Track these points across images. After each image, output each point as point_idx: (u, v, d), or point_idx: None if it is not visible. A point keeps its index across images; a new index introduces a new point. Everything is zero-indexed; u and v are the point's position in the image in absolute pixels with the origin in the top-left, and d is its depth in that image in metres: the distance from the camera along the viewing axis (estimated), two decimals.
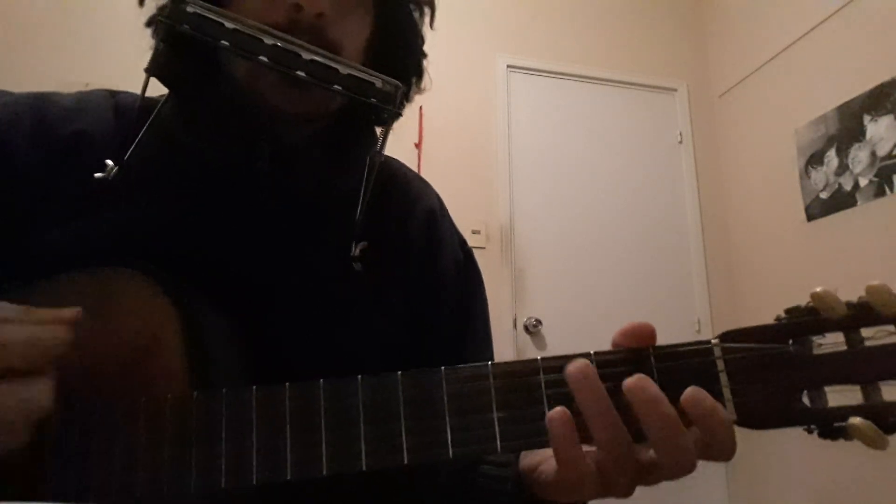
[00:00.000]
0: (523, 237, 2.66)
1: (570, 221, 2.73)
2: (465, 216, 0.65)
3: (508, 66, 2.85)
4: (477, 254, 0.68)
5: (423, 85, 0.62)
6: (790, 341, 0.33)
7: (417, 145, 2.56)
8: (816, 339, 0.32)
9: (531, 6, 2.98)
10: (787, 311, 0.33)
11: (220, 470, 0.36)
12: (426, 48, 0.62)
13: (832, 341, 0.32)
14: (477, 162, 2.69)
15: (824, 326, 0.32)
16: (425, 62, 0.62)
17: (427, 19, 0.62)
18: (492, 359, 0.64)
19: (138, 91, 0.57)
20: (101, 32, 2.36)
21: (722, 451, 0.34)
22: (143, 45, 0.54)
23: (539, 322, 2.55)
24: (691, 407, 0.33)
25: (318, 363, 0.51)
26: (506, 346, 2.48)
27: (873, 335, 0.31)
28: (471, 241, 0.68)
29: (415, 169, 0.69)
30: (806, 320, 0.33)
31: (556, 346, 2.56)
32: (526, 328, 2.55)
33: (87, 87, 0.57)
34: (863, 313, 0.31)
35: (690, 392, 0.33)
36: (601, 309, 2.63)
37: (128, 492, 0.36)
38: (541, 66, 2.90)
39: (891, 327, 0.30)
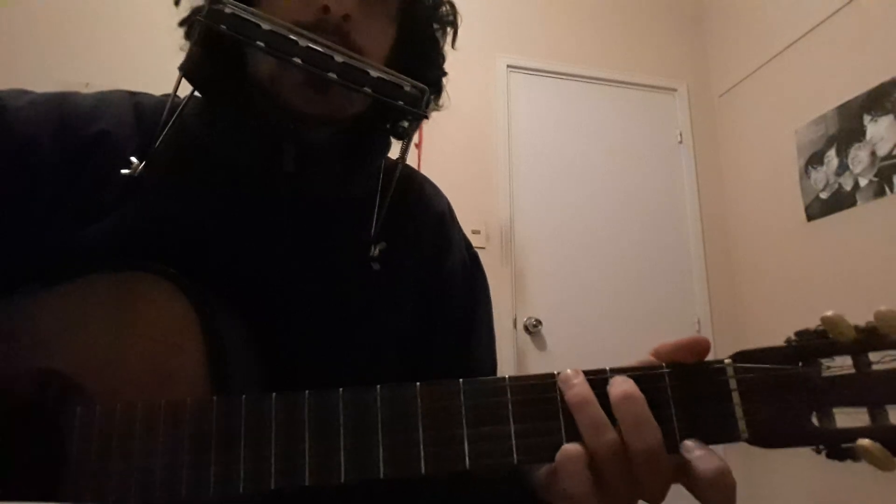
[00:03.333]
0: (523, 237, 2.66)
1: (570, 221, 2.74)
2: (465, 216, 0.66)
3: (508, 66, 2.85)
4: (479, 257, 0.68)
5: (441, 102, 0.63)
6: (800, 363, 0.33)
7: (417, 145, 2.56)
8: (825, 362, 0.33)
9: (531, 6, 2.97)
10: (797, 334, 0.34)
11: (239, 475, 0.36)
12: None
13: (840, 364, 0.32)
14: (477, 162, 2.70)
15: (833, 349, 0.33)
16: (445, 80, 0.63)
17: (449, 38, 0.63)
18: (495, 359, 0.65)
19: (152, 92, 0.58)
20: (101, 32, 2.36)
21: (718, 495, 0.34)
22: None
23: (539, 322, 2.56)
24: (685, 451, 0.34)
25: (335, 362, 0.52)
26: (506, 346, 2.48)
27: (881, 359, 0.32)
28: (471, 240, 0.69)
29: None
30: (815, 343, 0.33)
31: (556, 346, 2.57)
32: (526, 328, 2.55)
33: (87, 87, 0.57)
34: (871, 338, 0.32)
35: (686, 444, 0.35)
36: (601, 309, 2.64)
37: (145, 494, 0.37)
38: (541, 66, 2.90)
39: None
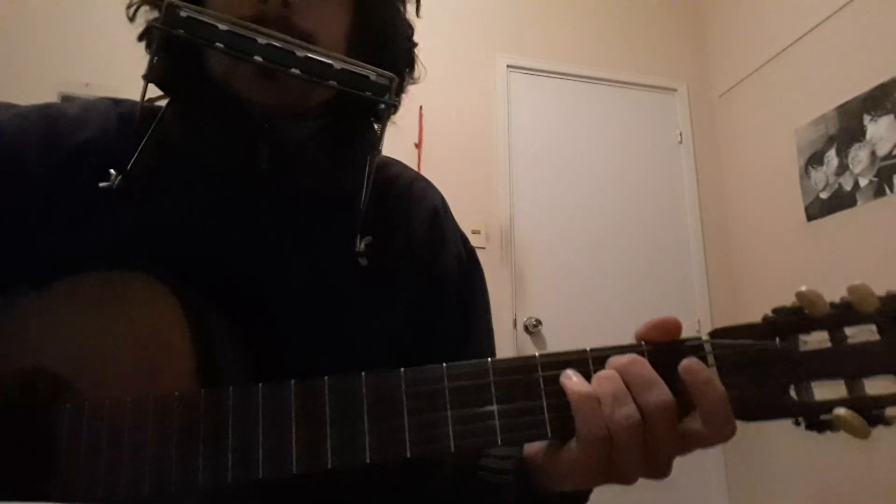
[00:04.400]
0: (523, 237, 2.66)
1: (570, 221, 2.74)
2: (465, 216, 0.66)
3: (508, 66, 2.86)
4: (477, 253, 0.68)
5: (417, 75, 0.61)
6: (777, 339, 0.34)
7: (417, 145, 2.56)
8: (802, 337, 0.33)
9: (531, 6, 2.98)
10: (774, 311, 0.34)
11: (227, 465, 0.37)
12: (420, 38, 0.61)
13: (817, 339, 0.33)
14: (477, 162, 2.70)
15: (809, 325, 0.33)
16: (416, 51, 0.60)
17: (412, 7, 0.60)
18: (493, 355, 0.65)
19: (138, 97, 0.59)
20: (101, 32, 2.37)
21: (720, 426, 0.34)
22: (141, 47, 0.55)
23: (539, 322, 2.56)
24: (688, 375, 0.35)
25: (325, 359, 0.51)
26: (506, 346, 2.49)
27: (856, 333, 0.32)
28: (471, 240, 0.69)
29: (415, 169, 0.69)
30: (792, 319, 0.34)
31: (556, 346, 2.56)
32: (526, 328, 2.56)
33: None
34: (845, 312, 0.32)
35: (687, 362, 0.35)
36: (601, 309, 2.64)
37: (136, 488, 0.37)
38: (541, 66, 2.90)
39: (872, 326, 0.32)
